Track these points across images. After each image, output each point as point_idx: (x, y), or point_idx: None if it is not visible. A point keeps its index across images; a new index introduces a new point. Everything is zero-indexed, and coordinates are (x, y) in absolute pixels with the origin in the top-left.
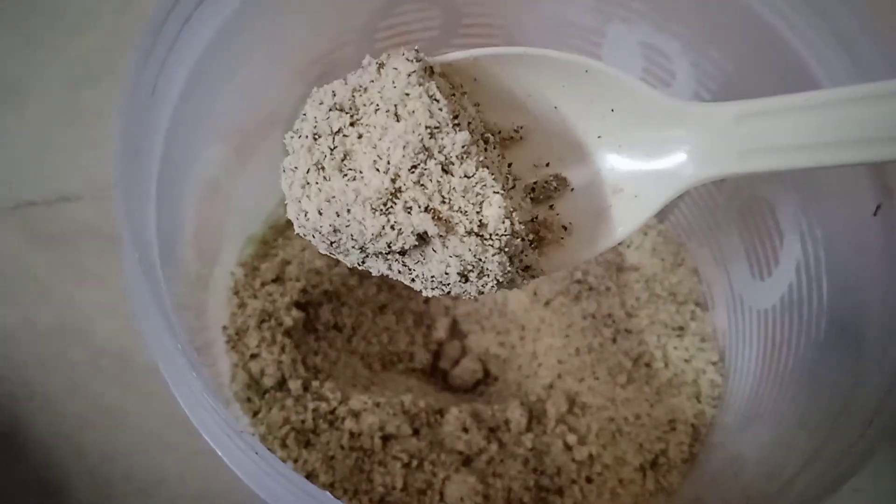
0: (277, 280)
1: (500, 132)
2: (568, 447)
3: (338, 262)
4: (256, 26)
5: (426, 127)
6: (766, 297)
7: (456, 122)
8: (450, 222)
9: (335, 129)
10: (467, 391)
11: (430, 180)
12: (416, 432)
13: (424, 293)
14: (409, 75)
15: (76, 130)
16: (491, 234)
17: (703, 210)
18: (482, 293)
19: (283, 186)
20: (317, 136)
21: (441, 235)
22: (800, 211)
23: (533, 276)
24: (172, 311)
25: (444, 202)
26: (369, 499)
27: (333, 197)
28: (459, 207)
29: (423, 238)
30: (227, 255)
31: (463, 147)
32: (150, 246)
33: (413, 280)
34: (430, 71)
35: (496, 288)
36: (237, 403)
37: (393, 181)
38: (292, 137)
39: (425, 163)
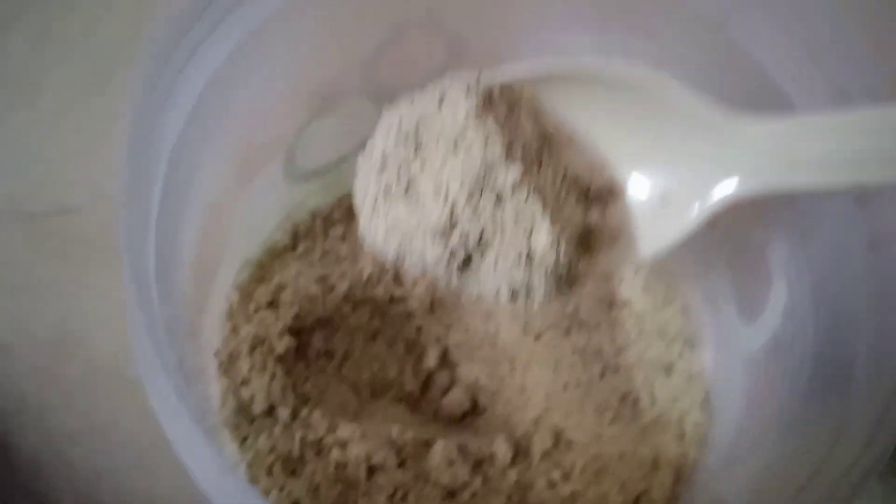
0: (272, 305)
1: (559, 133)
2: (552, 484)
3: (332, 288)
4: (262, 56)
5: (481, 161)
6: (752, 339)
7: (510, 152)
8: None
9: (401, 157)
10: (455, 422)
11: (485, 210)
12: (402, 464)
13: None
14: (468, 110)
15: (82, 140)
16: (539, 260)
17: (697, 250)
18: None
19: (356, 203)
20: (385, 162)
21: (494, 252)
22: (789, 257)
23: (577, 286)
24: (166, 338)
25: (495, 232)
26: None
27: (398, 223)
28: (510, 235)
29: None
30: (223, 278)
31: (513, 181)
32: (147, 272)
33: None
34: (489, 98)
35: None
36: (226, 429)
37: (451, 212)
38: (363, 159)
39: (480, 194)
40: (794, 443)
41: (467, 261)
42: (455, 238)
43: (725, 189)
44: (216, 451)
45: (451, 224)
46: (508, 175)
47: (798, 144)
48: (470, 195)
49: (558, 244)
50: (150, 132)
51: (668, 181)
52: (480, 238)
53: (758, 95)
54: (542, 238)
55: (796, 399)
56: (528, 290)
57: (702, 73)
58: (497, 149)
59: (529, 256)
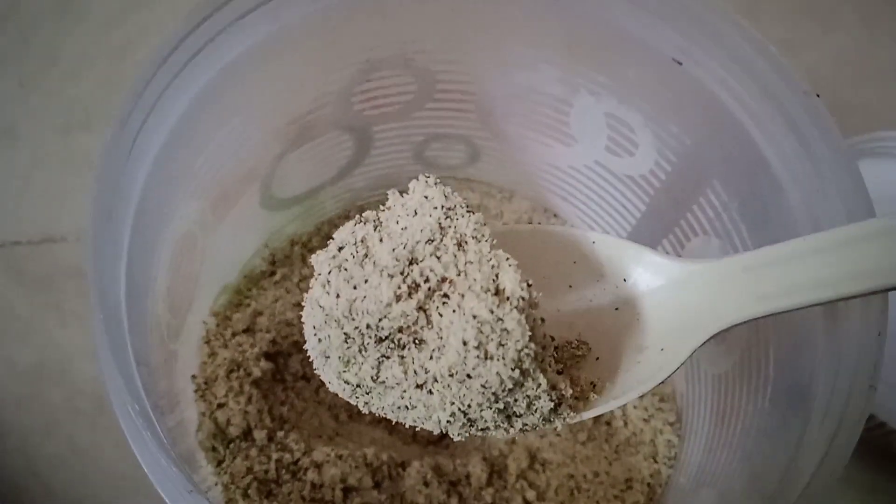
0: (248, 331)
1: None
2: (527, 503)
3: None
4: (236, 89)
5: (442, 207)
6: (720, 362)
7: (469, 209)
8: (464, 283)
9: (359, 238)
10: (433, 443)
11: (446, 252)
12: (377, 485)
13: (450, 431)
14: (428, 187)
15: (65, 174)
16: (508, 297)
17: None
18: (513, 426)
19: (305, 316)
20: (341, 248)
21: (458, 294)
22: None
23: (562, 414)
24: (136, 367)
25: (458, 274)
26: None
27: (352, 278)
28: (475, 278)
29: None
30: (200, 304)
31: (476, 225)
32: (118, 304)
33: (430, 409)
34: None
35: (534, 421)
36: (202, 452)
37: (410, 252)
38: (317, 256)
39: (441, 239)
40: (758, 459)
41: (430, 295)
42: (415, 273)
43: (707, 332)
44: (181, 474)
45: (411, 262)
46: (470, 220)
47: (759, 280)
48: (430, 239)
49: (528, 284)
50: (120, 168)
51: (644, 329)
52: (442, 279)
53: (718, 129)
54: (510, 274)
55: (760, 417)
56: (500, 342)
57: (664, 106)
58: (457, 199)
59: (497, 292)
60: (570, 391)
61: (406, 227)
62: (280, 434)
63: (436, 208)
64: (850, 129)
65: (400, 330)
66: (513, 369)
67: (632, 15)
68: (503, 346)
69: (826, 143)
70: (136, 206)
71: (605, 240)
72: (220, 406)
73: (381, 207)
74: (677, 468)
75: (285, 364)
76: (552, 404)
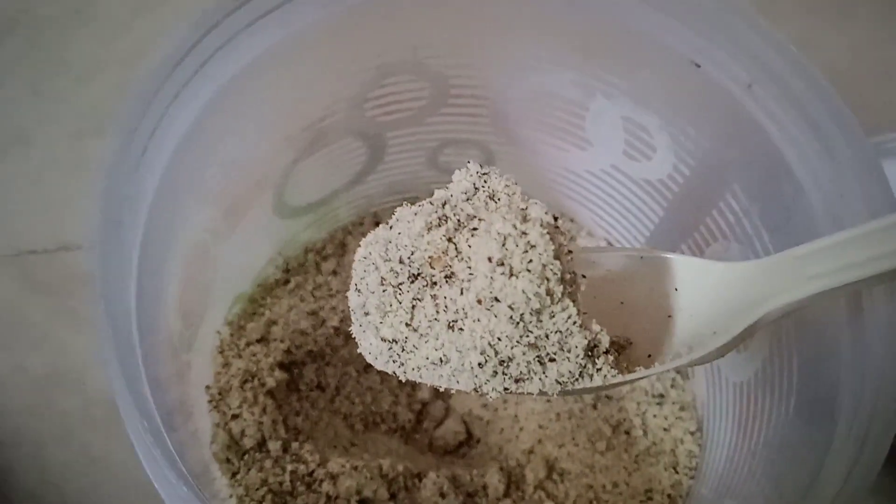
0: (262, 340)
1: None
2: None
3: (323, 322)
4: (247, 96)
5: (477, 172)
6: (742, 370)
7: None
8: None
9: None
10: (450, 452)
11: (479, 201)
12: (393, 497)
13: (484, 387)
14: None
15: (79, 180)
16: (534, 219)
17: None
18: (548, 375)
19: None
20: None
21: (487, 223)
22: None
23: (600, 367)
24: (147, 380)
25: (488, 212)
26: None
27: (391, 226)
28: (504, 212)
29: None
30: (214, 314)
31: (507, 182)
32: (128, 316)
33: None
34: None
35: (570, 369)
36: (216, 464)
37: (444, 199)
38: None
39: (475, 194)
40: (783, 470)
41: (459, 227)
42: (447, 209)
43: (761, 310)
44: (191, 493)
45: (444, 203)
46: (502, 180)
47: (810, 263)
48: (464, 192)
49: (555, 217)
50: (128, 177)
51: (696, 331)
52: (472, 217)
53: (737, 132)
54: (537, 208)
55: (784, 426)
56: (525, 247)
57: (681, 108)
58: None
59: (525, 218)
60: (608, 338)
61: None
62: (295, 445)
63: (471, 175)
64: (867, 129)
65: (431, 264)
66: (539, 286)
67: (648, 16)
68: (528, 261)
69: (849, 143)
70: (146, 214)
71: (651, 254)
72: (235, 417)
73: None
74: (698, 479)
75: (300, 374)
76: (585, 342)
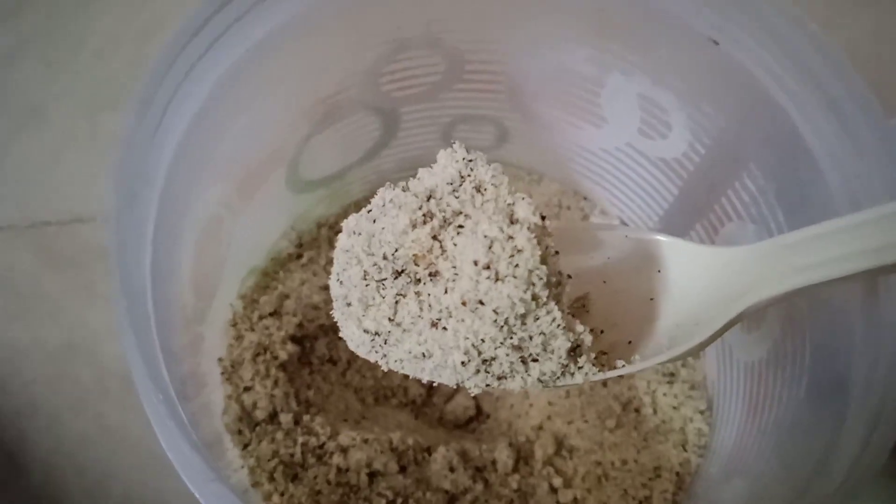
0: (275, 314)
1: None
2: (553, 489)
3: None
4: (261, 70)
5: (464, 159)
6: (753, 349)
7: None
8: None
9: (387, 199)
10: (459, 427)
11: (464, 193)
12: (402, 469)
13: (466, 383)
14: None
15: (94, 154)
16: (520, 221)
17: None
18: (530, 373)
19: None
20: (370, 210)
21: (473, 222)
22: None
23: (582, 366)
24: (160, 351)
25: (474, 208)
26: None
27: (374, 217)
28: (490, 210)
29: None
30: (228, 287)
31: (494, 172)
32: (142, 288)
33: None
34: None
35: (552, 368)
36: (228, 435)
37: (430, 191)
38: (348, 220)
39: (461, 184)
40: (792, 450)
41: (444, 225)
42: (432, 205)
43: (745, 303)
44: (204, 462)
45: (429, 197)
46: (489, 170)
47: (798, 253)
48: (450, 183)
49: (542, 216)
50: (144, 151)
51: (680, 317)
52: (458, 213)
53: (755, 111)
54: (524, 206)
55: (795, 407)
56: (512, 252)
57: (698, 86)
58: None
59: (512, 221)
60: (591, 338)
61: (432, 181)
62: (306, 418)
63: (457, 161)
64: (890, 109)
65: (415, 262)
66: (524, 291)
67: None
68: (515, 266)
69: (868, 123)
70: (160, 188)
71: (637, 233)
72: (247, 389)
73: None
74: (707, 457)
75: (311, 347)
76: (568, 344)
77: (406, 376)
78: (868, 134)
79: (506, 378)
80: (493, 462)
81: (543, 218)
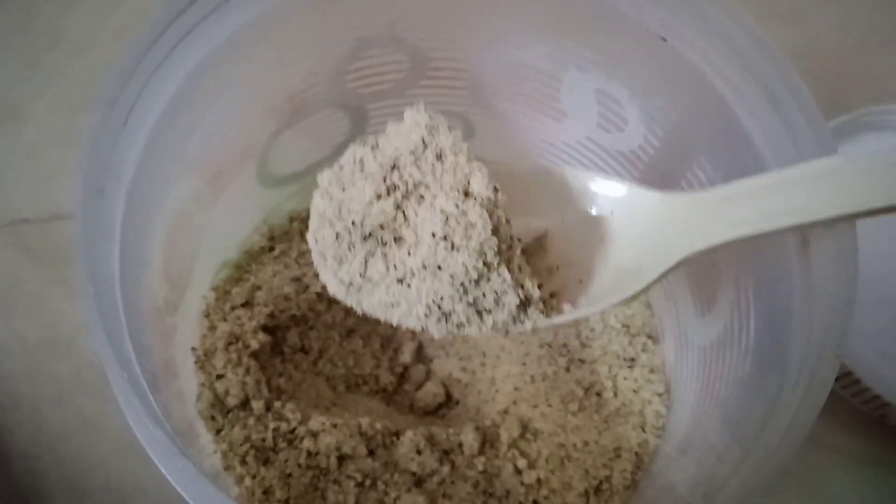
0: (247, 304)
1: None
2: (518, 471)
3: (306, 288)
4: (228, 68)
5: (426, 126)
6: (706, 333)
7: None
8: (438, 185)
9: (357, 158)
10: (430, 413)
11: (426, 162)
12: (371, 453)
13: (429, 328)
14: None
15: (71, 152)
16: (475, 196)
17: None
18: (485, 323)
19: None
20: (342, 167)
21: (432, 195)
22: (734, 258)
23: (531, 316)
24: (129, 338)
25: (434, 179)
26: None
27: (344, 184)
28: (448, 182)
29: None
30: (201, 279)
31: (455, 140)
32: (111, 279)
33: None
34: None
35: (504, 318)
36: (202, 421)
37: (393, 161)
38: (322, 173)
39: (423, 151)
40: (740, 421)
41: (407, 195)
42: (395, 176)
43: (681, 253)
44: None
45: (391, 169)
46: (451, 136)
47: (733, 207)
48: (411, 151)
49: (495, 188)
50: (111, 146)
51: (628, 254)
52: (419, 184)
53: (702, 104)
54: (479, 179)
55: (742, 382)
56: (466, 226)
57: (650, 81)
58: (440, 118)
59: (467, 193)
60: (539, 292)
61: (397, 147)
62: (277, 404)
63: (420, 127)
64: (854, 101)
65: (381, 227)
66: (476, 260)
67: None
68: (468, 238)
69: (804, 117)
70: (128, 183)
71: (577, 173)
72: (219, 377)
73: (382, 133)
74: (664, 437)
75: (283, 337)
76: (518, 300)
77: (377, 365)
78: (804, 127)
79: (464, 326)
80: (460, 445)
81: (497, 190)
